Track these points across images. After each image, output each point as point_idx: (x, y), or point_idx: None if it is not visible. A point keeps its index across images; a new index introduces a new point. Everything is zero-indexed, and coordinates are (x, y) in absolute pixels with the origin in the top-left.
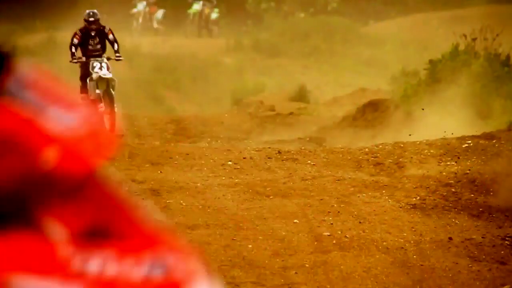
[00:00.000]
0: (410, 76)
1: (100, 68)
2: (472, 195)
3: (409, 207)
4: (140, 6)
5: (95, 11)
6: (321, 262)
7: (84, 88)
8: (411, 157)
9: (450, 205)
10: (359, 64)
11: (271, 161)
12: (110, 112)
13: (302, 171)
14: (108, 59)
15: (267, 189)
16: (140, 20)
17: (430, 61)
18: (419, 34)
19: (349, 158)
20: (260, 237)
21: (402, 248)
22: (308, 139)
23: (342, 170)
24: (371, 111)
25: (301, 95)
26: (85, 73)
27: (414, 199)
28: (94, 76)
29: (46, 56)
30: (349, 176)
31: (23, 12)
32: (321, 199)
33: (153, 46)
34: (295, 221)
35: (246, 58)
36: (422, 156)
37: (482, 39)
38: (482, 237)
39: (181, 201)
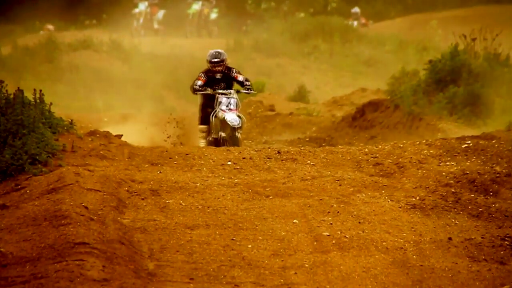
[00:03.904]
0: (410, 76)
1: (228, 105)
2: (472, 195)
3: (408, 207)
4: (142, 6)
5: (221, 50)
6: (320, 262)
7: (205, 120)
8: (411, 157)
9: (450, 205)
10: (358, 64)
11: (270, 161)
12: None
13: (301, 171)
14: (238, 92)
15: (267, 189)
16: (141, 20)
17: (430, 61)
18: (418, 34)
19: (349, 158)
20: (260, 237)
21: (402, 248)
22: (307, 139)
23: (342, 170)
24: (371, 111)
25: (300, 95)
26: (208, 103)
27: (414, 199)
28: (220, 114)
29: (46, 56)
30: (349, 176)
31: (23, 12)
32: (321, 199)
33: (153, 46)
34: (294, 221)
35: (246, 58)
36: (421, 156)
37: (481, 39)
38: (482, 237)
39: (181, 201)
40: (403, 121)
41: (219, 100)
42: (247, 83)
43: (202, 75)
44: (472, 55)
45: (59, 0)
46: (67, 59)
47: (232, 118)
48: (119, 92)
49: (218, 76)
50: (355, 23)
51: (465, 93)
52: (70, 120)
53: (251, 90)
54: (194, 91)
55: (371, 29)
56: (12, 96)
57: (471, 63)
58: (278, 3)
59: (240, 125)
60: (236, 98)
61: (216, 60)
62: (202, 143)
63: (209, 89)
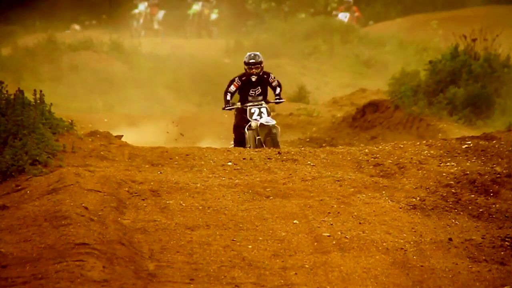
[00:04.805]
0: (410, 77)
1: (260, 114)
2: (472, 195)
3: (409, 208)
4: (142, 7)
5: (258, 53)
6: (321, 262)
7: (239, 142)
8: (411, 158)
9: (450, 205)
10: (359, 65)
11: (271, 162)
12: None
13: (302, 171)
14: (267, 102)
15: (267, 189)
16: (141, 20)
17: (430, 62)
18: (418, 35)
19: (349, 158)
20: (260, 238)
21: (402, 248)
22: (308, 139)
23: (342, 170)
24: (371, 112)
25: (300, 96)
26: (240, 123)
27: (414, 199)
28: (253, 124)
29: (46, 56)
30: (349, 177)
31: (23, 13)
32: (321, 200)
33: (153, 47)
34: (295, 221)
35: None
36: (422, 157)
37: (482, 39)
38: (482, 238)
39: (181, 202)
40: (403, 122)
41: (251, 111)
42: (278, 91)
43: (237, 79)
44: (472, 56)
45: (58, 1)
46: (67, 60)
47: (266, 119)
48: (119, 93)
49: (254, 78)
50: (347, 15)
51: (465, 93)
52: (70, 121)
53: (280, 99)
54: (223, 108)
55: (373, 29)
56: (12, 96)
57: (471, 63)
58: (279, 3)
59: (274, 122)
60: (266, 107)
61: (252, 61)
62: None
63: (238, 103)
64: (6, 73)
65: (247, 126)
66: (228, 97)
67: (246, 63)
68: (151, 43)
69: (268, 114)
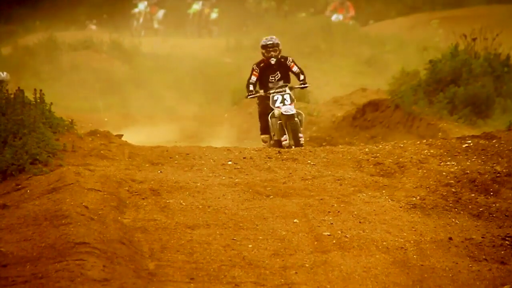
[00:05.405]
0: (410, 76)
1: (282, 101)
2: (472, 195)
3: (409, 207)
4: (141, 6)
5: (274, 37)
6: (321, 262)
7: (265, 129)
8: (411, 157)
9: (450, 205)
10: (359, 64)
11: (271, 161)
12: (295, 147)
13: (302, 171)
14: (291, 88)
15: (267, 189)
16: (141, 20)
17: (430, 61)
18: (419, 34)
19: (349, 158)
20: (260, 237)
21: (402, 248)
22: (308, 139)
23: (342, 170)
24: (371, 111)
25: (301, 95)
26: (265, 110)
27: (414, 199)
28: (276, 112)
29: (46, 56)
30: (349, 176)
31: (23, 12)
32: (321, 199)
33: (153, 46)
34: (295, 221)
35: (246, 57)
36: (422, 156)
37: (482, 39)
38: (482, 237)
39: (181, 201)
40: (403, 121)
41: (273, 98)
42: (302, 77)
43: (255, 67)
44: (472, 55)
45: (59, 0)
46: (68, 59)
47: (286, 108)
48: (119, 92)
49: (273, 61)
50: (340, 17)
51: (466, 93)
52: (70, 120)
53: (305, 84)
54: (246, 96)
55: (373, 28)
56: (12, 96)
57: (471, 63)
58: (279, 2)
59: (295, 112)
60: (290, 93)
61: (270, 43)
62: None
63: (261, 91)
64: (6, 73)
65: (270, 114)
66: (251, 88)
67: (263, 47)
68: (151, 42)
69: (292, 101)
